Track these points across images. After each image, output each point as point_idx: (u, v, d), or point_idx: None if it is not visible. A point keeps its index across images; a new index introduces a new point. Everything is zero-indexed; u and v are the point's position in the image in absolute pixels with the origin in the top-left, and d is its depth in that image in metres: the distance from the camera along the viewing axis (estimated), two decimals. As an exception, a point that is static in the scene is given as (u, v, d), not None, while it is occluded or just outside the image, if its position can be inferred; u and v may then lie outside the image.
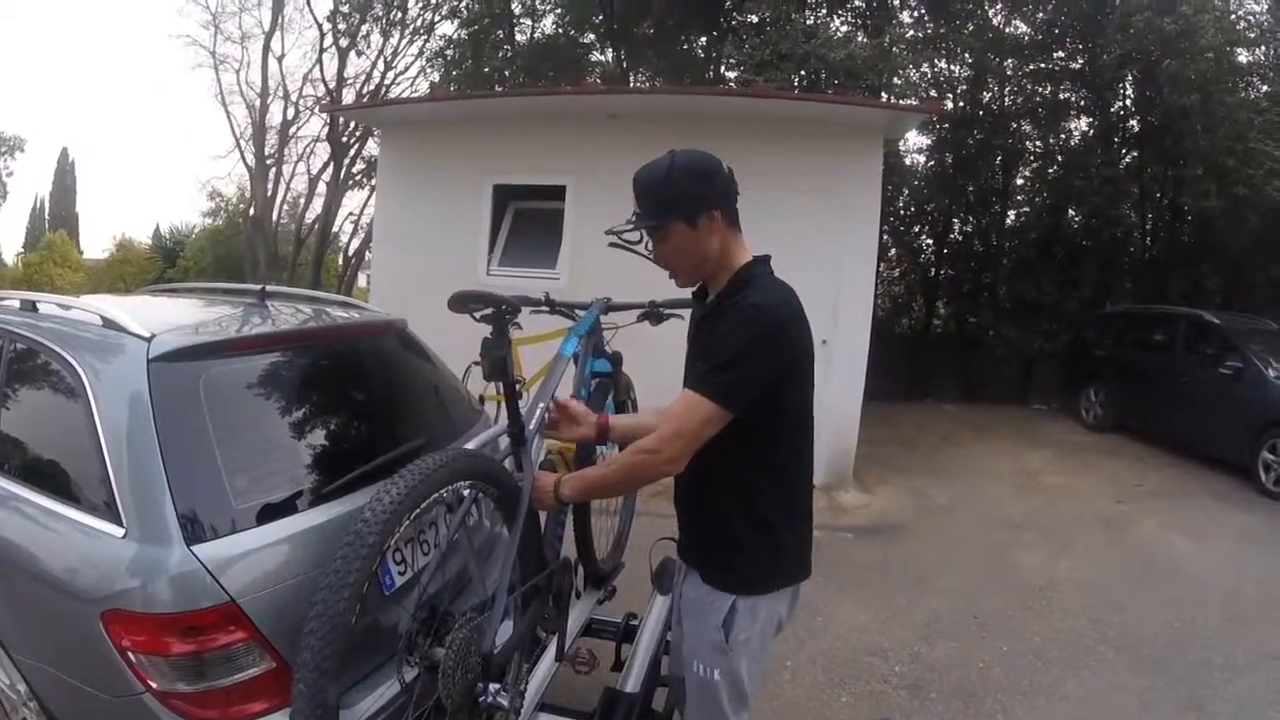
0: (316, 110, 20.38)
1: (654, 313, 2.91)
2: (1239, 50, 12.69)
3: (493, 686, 1.98)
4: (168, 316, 2.44)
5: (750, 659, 2.10)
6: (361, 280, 21.55)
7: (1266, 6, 14.20)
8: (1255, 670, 4.30)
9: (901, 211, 15.28)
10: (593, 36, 16.77)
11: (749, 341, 1.90)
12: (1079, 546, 6.21)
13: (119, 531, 1.86)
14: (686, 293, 2.28)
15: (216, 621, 1.81)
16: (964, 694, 3.95)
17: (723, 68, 14.30)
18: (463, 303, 2.21)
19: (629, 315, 3.12)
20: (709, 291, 2.16)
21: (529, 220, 7.39)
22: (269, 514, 2.01)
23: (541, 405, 2.45)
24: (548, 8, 16.87)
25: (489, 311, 2.22)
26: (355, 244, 23.10)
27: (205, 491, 1.92)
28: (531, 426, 2.37)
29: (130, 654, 1.79)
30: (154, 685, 1.80)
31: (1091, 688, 4.08)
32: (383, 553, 1.83)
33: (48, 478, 2.15)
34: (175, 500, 1.85)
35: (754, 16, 12.91)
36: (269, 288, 3.07)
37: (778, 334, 1.93)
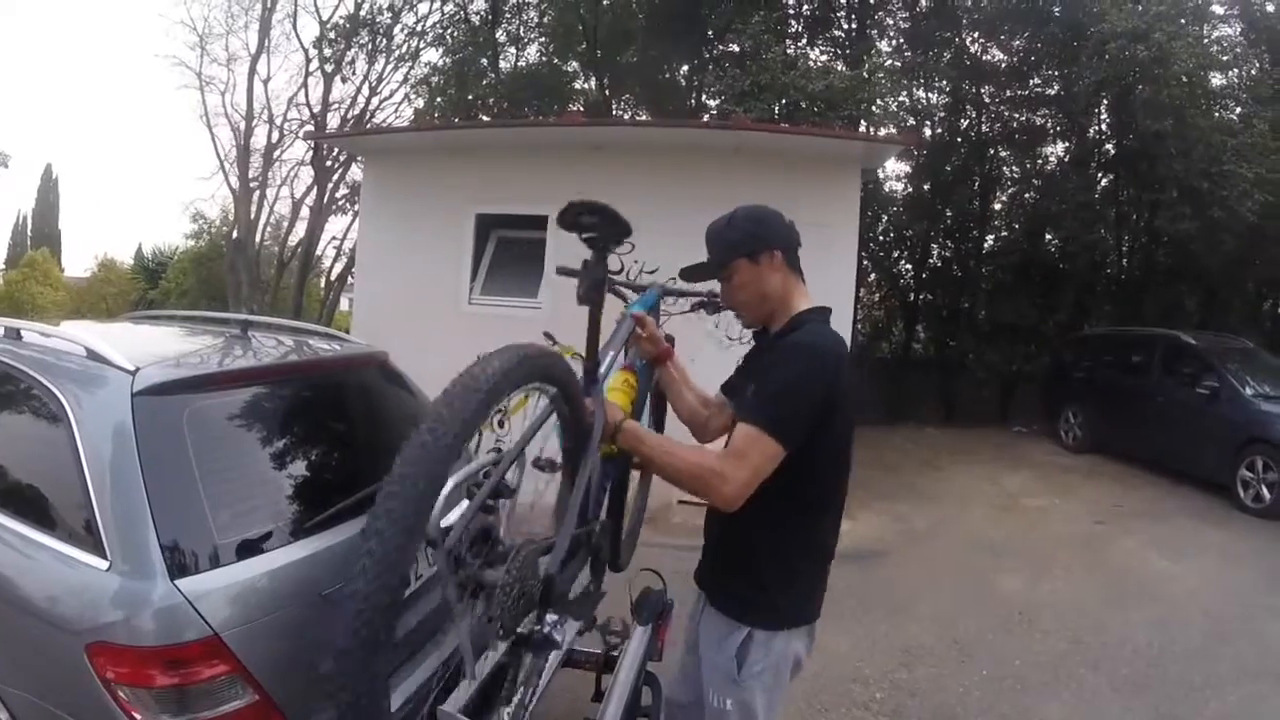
0: (300, 137, 20.40)
1: (711, 302, 2.91)
2: (1213, 74, 12.93)
3: (550, 617, 1.94)
4: (151, 348, 2.44)
5: (764, 692, 2.13)
6: (344, 304, 21.49)
7: (1240, 30, 14.49)
8: (1236, 688, 4.35)
9: (881, 237, 15.41)
10: (576, 65, 16.93)
11: (796, 377, 1.99)
12: (1059, 568, 6.25)
13: (103, 564, 1.87)
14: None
15: (200, 654, 1.82)
16: (945, 719, 3.99)
17: (704, 97, 14.45)
18: (574, 215, 2.17)
19: (682, 304, 3.23)
20: (769, 331, 2.27)
21: (511, 250, 7.43)
22: (252, 548, 2.02)
23: (612, 353, 2.57)
24: (532, 36, 17.06)
25: (593, 235, 2.23)
26: (338, 268, 23.05)
27: (188, 525, 1.93)
28: (605, 365, 2.43)
29: (114, 686, 1.80)
30: (138, 717, 1.81)
31: (1072, 709, 4.10)
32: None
33: (32, 509, 2.15)
34: (159, 533, 1.86)
35: (735, 46, 13.06)
36: (251, 318, 3.08)
37: (823, 373, 1.99)
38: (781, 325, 2.20)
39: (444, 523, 2.24)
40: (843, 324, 6.75)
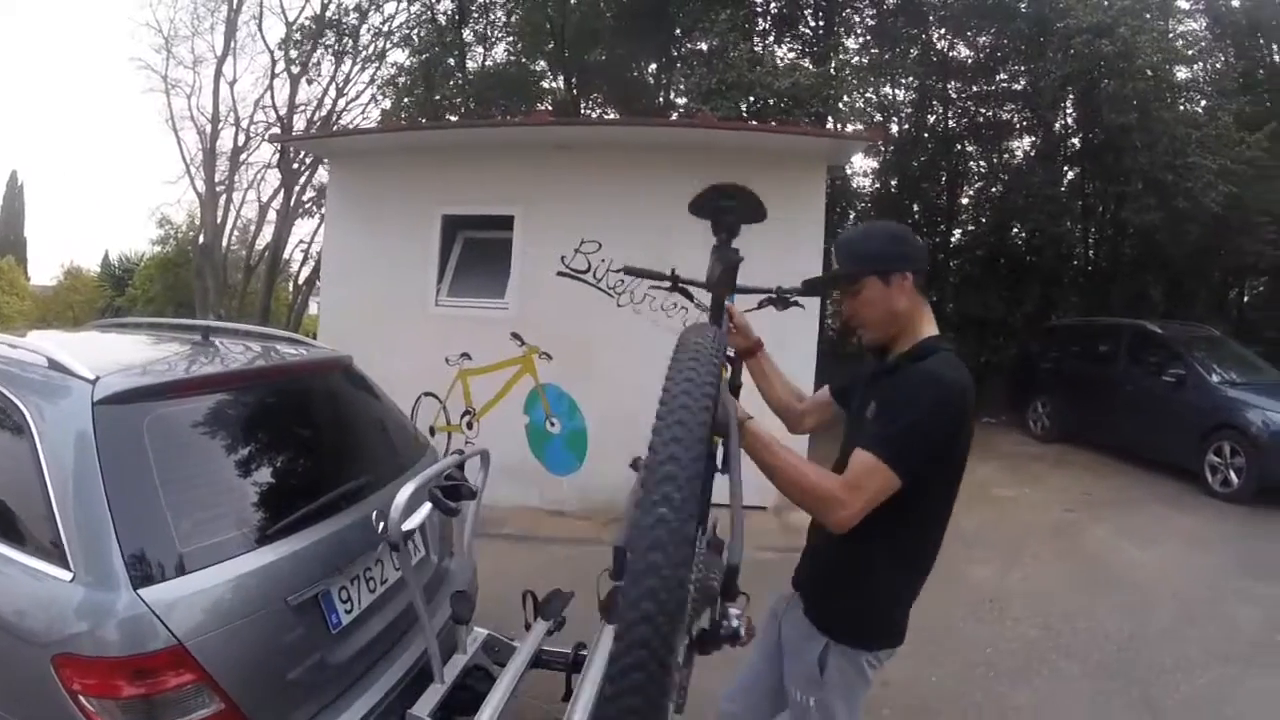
0: (265, 139, 20.21)
1: (780, 298, 2.77)
2: (1178, 68, 13.12)
3: (733, 610, 1.87)
4: (113, 357, 2.42)
5: (844, 699, 2.15)
6: (313, 308, 21.32)
7: (1205, 24, 14.74)
8: (1207, 670, 4.39)
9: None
10: (544, 64, 16.88)
11: (927, 415, 1.95)
12: (1029, 557, 6.29)
13: (67, 575, 1.86)
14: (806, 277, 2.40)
15: (165, 664, 1.83)
16: (917, 710, 3.99)
17: (673, 95, 14.47)
18: (712, 199, 2.22)
19: (749, 301, 3.03)
20: (889, 353, 2.19)
21: (478, 250, 7.36)
22: (215, 555, 2.01)
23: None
24: (499, 35, 16.98)
25: (730, 218, 2.24)
26: (306, 272, 22.88)
27: (151, 534, 1.92)
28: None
29: (81, 697, 1.80)
30: (106, 728, 1.80)
31: (1044, 696, 4.12)
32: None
33: (-6, 520, 2.14)
34: (121, 543, 1.85)
35: (703, 45, 13.09)
36: (213, 324, 3.08)
37: (951, 409, 1.97)
38: (906, 349, 2.13)
39: (406, 526, 2.26)
40: (810, 319, 6.82)
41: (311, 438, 2.82)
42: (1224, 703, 4.07)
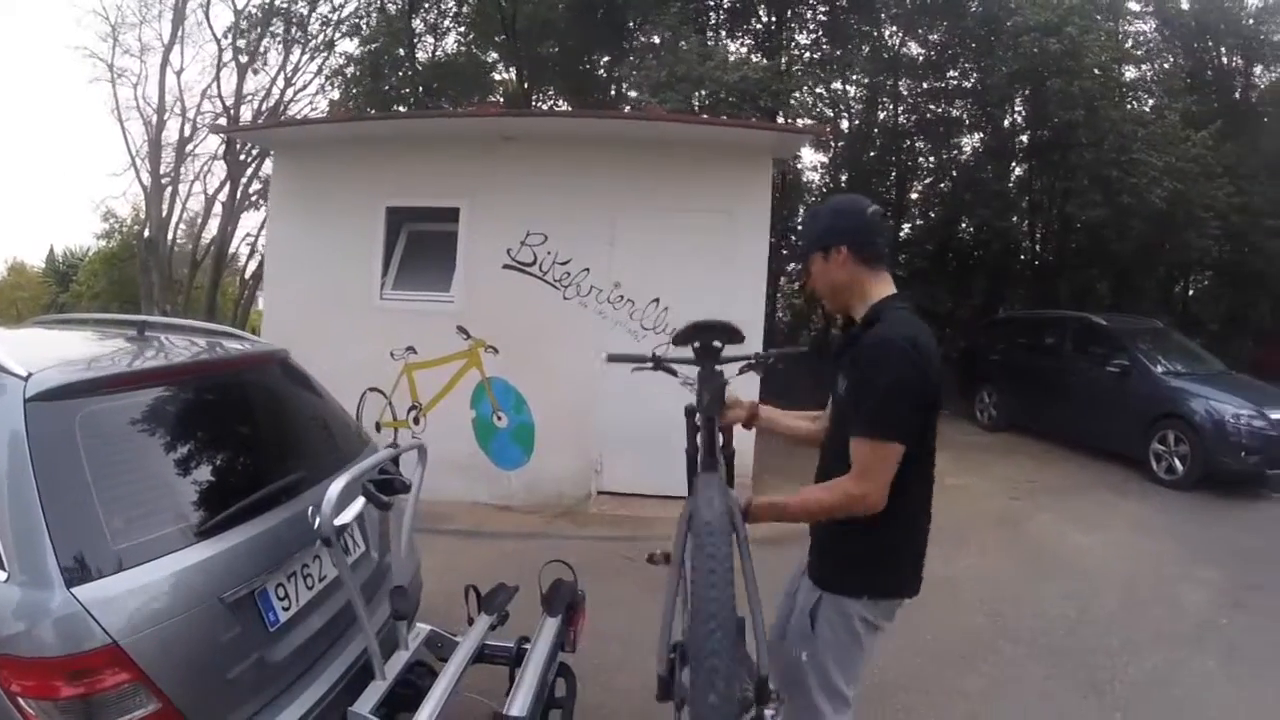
0: (209, 130, 19.83)
1: (760, 363, 2.94)
2: (1127, 67, 13.39)
3: (768, 712, 1.97)
4: (47, 353, 2.37)
5: (836, 655, 2.29)
6: (260, 303, 20.97)
7: (1154, 26, 15.08)
8: (1154, 651, 4.46)
9: (800, 227, 15.54)
10: (496, 55, 16.74)
11: (891, 380, 2.07)
12: (975, 544, 6.30)
13: (2, 575, 1.82)
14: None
15: (101, 664, 1.80)
16: (863, 697, 4.00)
17: (625, 87, 14.44)
18: (695, 333, 2.47)
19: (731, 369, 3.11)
20: (854, 322, 2.34)
21: (423, 243, 7.24)
22: (149, 552, 1.99)
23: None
24: (450, 25, 16.78)
25: (712, 346, 2.48)
26: (253, 266, 22.50)
27: (85, 532, 1.89)
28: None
29: (20, 699, 1.77)
30: (46, 729, 1.77)
31: (991, 681, 4.13)
32: None
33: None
34: (55, 542, 1.82)
35: (656, 38, 13.06)
36: (148, 319, 3.03)
37: (910, 363, 2.08)
38: (862, 315, 2.27)
39: (339, 521, 2.22)
40: (756, 309, 6.82)
41: (248, 432, 2.79)
42: (1171, 684, 4.12)
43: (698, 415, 2.60)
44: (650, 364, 2.88)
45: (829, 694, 2.30)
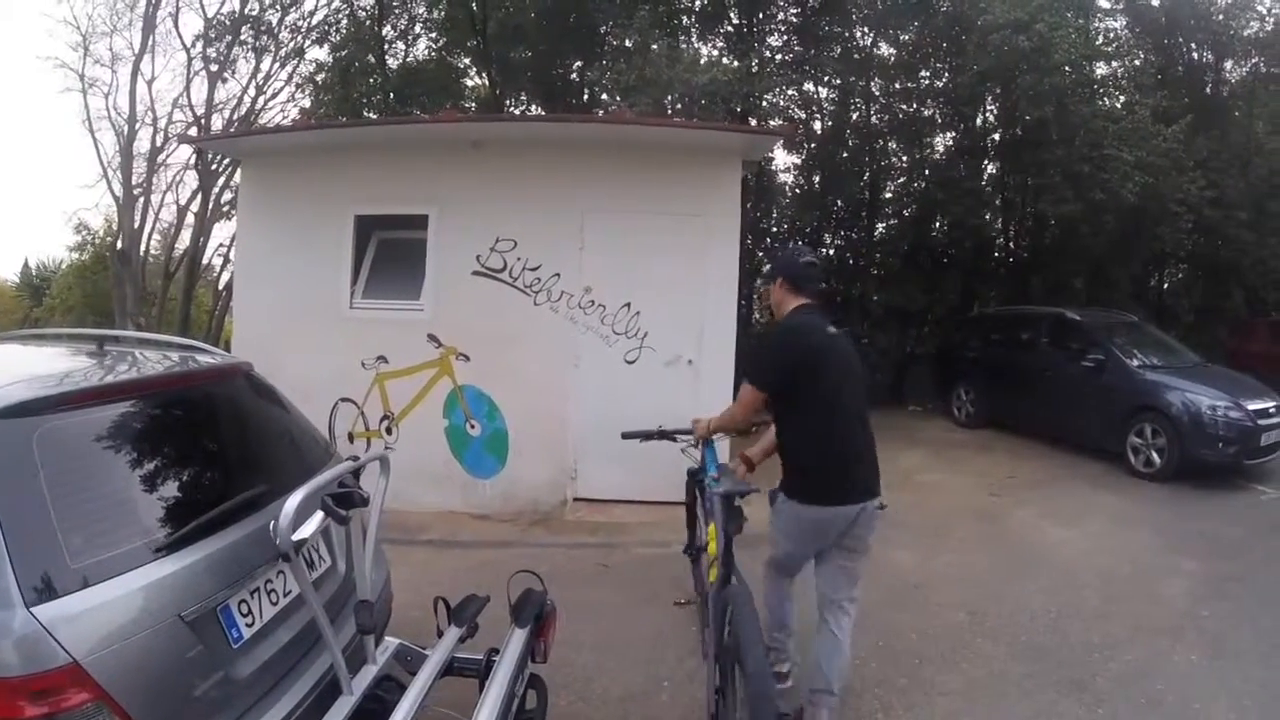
0: (177, 140, 19.63)
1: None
2: (1097, 64, 13.46)
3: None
4: (3, 370, 2.38)
5: (782, 537, 3.59)
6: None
7: (1124, 22, 15.24)
8: (1134, 645, 4.46)
9: (774, 229, 15.69)
10: (467, 60, 16.64)
11: (768, 346, 3.74)
12: (954, 541, 6.32)
13: None
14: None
15: (62, 683, 1.79)
16: (843, 698, 3.97)
17: (598, 91, 14.40)
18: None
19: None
20: None
21: (393, 251, 7.15)
22: (110, 569, 1.97)
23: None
24: (421, 31, 16.67)
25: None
26: (226, 277, 22.29)
27: (44, 551, 1.87)
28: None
29: None
30: (11, 750, 1.76)
31: (972, 679, 4.11)
32: None
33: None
34: (14, 561, 1.80)
35: (628, 41, 13.03)
36: (107, 333, 3.02)
37: (785, 340, 3.50)
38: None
39: (297, 536, 2.18)
40: (728, 311, 6.82)
41: (211, 447, 2.77)
42: (1153, 677, 4.12)
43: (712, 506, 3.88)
44: (658, 437, 4.52)
45: (778, 563, 3.73)
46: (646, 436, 4.52)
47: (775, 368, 3.38)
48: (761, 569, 3.80)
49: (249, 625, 2.34)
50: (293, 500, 2.20)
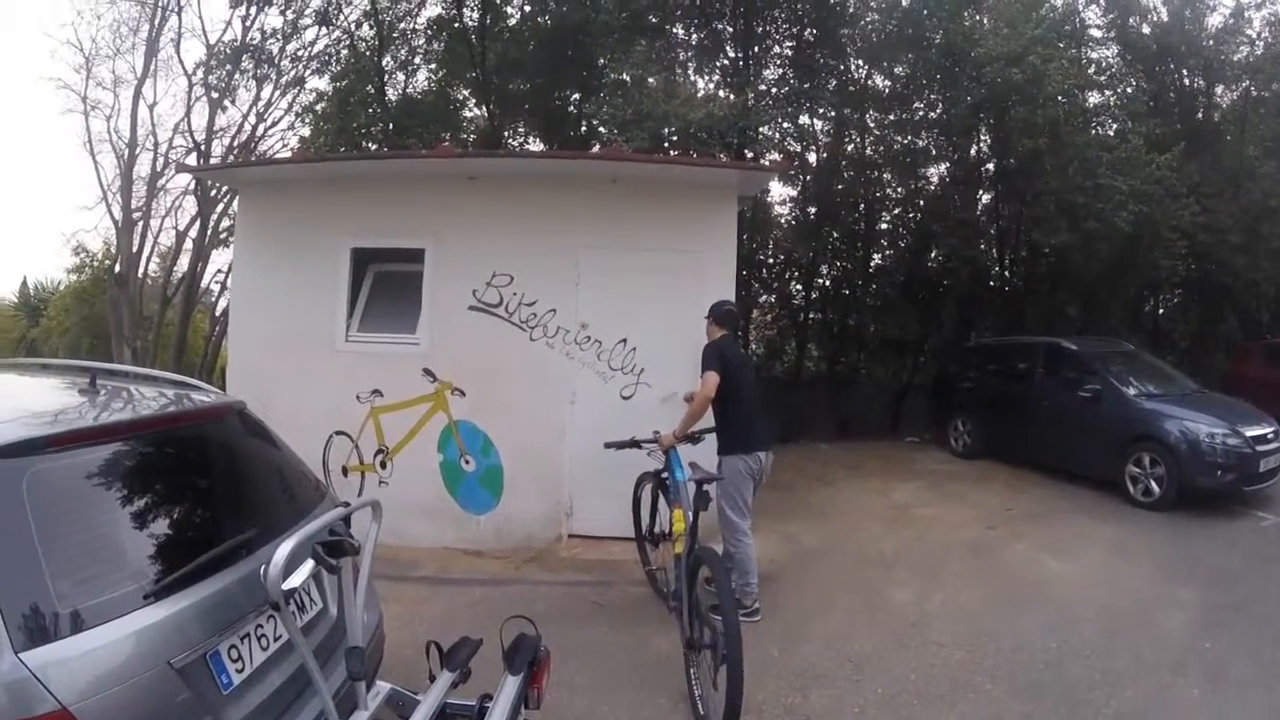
0: (175, 169, 19.60)
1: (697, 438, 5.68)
2: (1090, 93, 13.58)
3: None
4: None
5: (732, 488, 5.32)
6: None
7: (1116, 51, 15.38)
8: (1135, 681, 4.43)
9: (770, 260, 15.77)
10: (466, 92, 16.72)
11: (709, 355, 5.35)
12: (952, 577, 6.27)
13: None
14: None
15: None
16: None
17: (596, 124, 14.47)
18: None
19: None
20: None
21: (389, 284, 7.17)
22: (100, 615, 1.97)
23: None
24: (420, 63, 16.76)
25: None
26: (224, 303, 22.20)
27: (33, 596, 1.86)
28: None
29: None
30: (-2, 795, 1.74)
31: (971, 720, 4.07)
32: None
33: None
34: (2, 606, 1.80)
35: (625, 75, 13.11)
36: (99, 366, 3.03)
37: (712, 351, 5.37)
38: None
39: (287, 585, 2.16)
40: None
41: (203, 488, 2.77)
42: (1154, 714, 4.10)
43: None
44: (630, 445, 5.55)
45: (730, 510, 5.36)
46: (621, 445, 5.55)
47: (718, 360, 5.27)
48: (724, 531, 5.41)
49: (239, 671, 2.32)
50: (283, 550, 2.18)
